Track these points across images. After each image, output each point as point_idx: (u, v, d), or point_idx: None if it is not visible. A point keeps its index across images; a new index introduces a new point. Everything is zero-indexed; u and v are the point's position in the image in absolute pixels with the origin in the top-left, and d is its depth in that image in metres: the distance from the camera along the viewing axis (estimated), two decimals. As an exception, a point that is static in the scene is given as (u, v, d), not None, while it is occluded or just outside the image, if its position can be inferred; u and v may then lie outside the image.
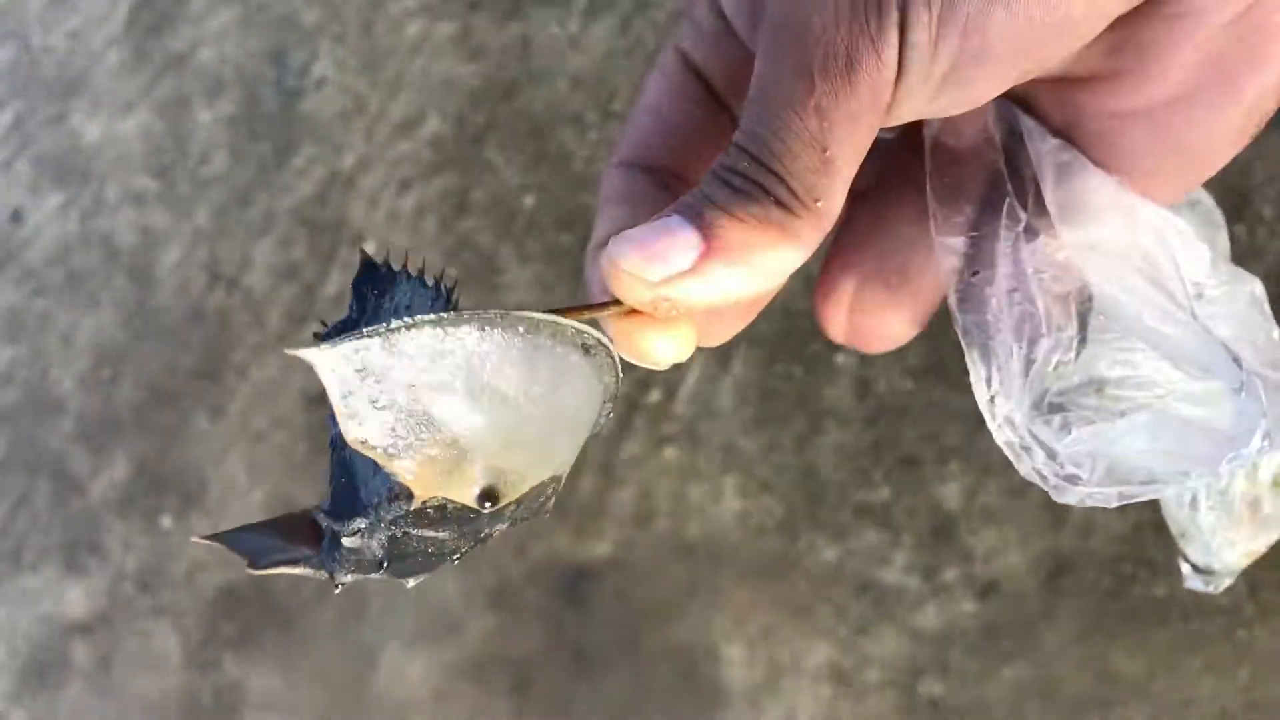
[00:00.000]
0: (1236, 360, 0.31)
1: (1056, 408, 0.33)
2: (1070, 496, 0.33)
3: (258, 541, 0.31)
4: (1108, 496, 0.33)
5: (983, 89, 0.28)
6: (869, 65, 0.27)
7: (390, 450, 0.26)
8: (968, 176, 0.32)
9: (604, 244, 0.31)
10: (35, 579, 1.34)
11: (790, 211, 0.29)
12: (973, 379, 0.33)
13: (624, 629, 0.99)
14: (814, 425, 0.92)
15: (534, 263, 1.03)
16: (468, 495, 0.28)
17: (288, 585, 1.22)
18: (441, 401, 0.26)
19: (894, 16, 0.27)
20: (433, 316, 0.26)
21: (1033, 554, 0.86)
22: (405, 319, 0.25)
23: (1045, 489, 0.33)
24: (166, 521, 1.26)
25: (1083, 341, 0.33)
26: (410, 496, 0.27)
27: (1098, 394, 0.33)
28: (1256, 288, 0.36)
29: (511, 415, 0.28)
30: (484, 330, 0.27)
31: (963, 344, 0.33)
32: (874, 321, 0.34)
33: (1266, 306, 0.37)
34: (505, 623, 1.05)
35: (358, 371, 0.25)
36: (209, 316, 1.20)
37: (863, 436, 0.92)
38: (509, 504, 0.29)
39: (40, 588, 1.34)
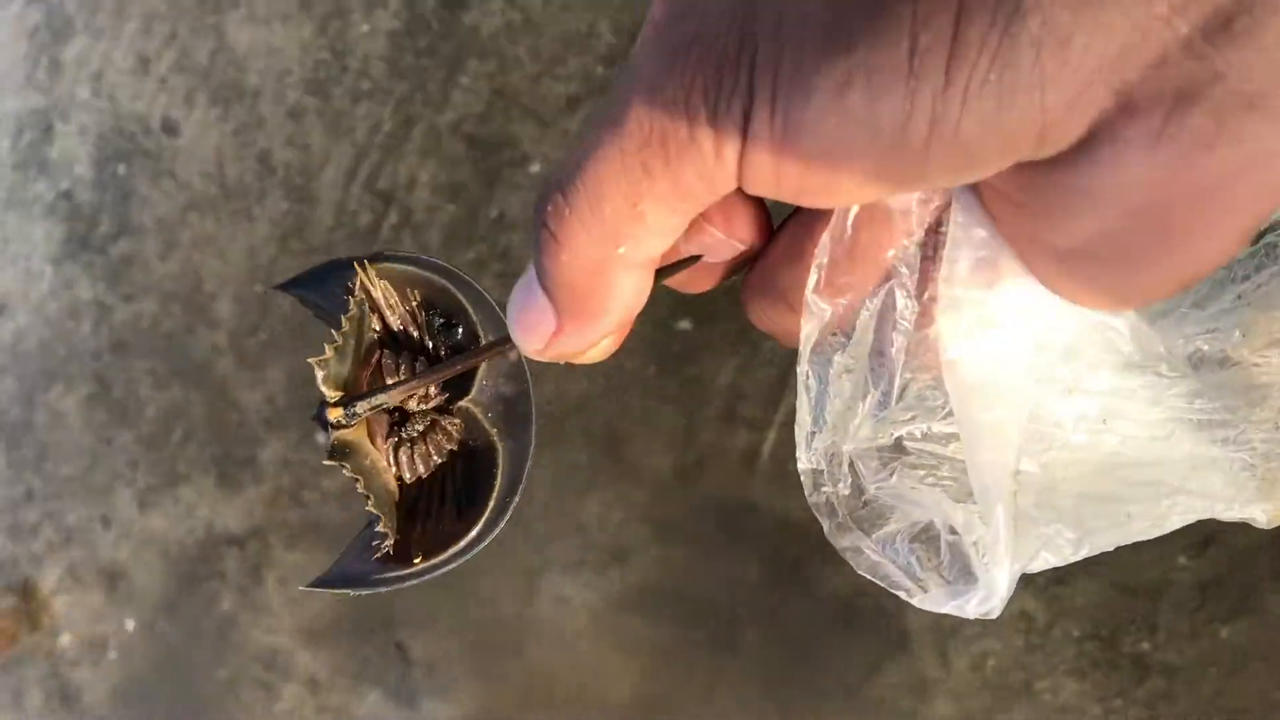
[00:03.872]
0: (1007, 520, 0.31)
1: (898, 448, 0.33)
2: (845, 540, 0.33)
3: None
4: (861, 563, 0.33)
5: (839, 197, 0.28)
6: (706, 150, 0.26)
7: None
8: (871, 243, 0.31)
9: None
10: (189, 491, 1.37)
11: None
12: (798, 414, 0.33)
13: (797, 566, 0.96)
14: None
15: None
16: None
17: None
18: None
19: (738, 108, 0.26)
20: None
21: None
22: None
23: (825, 523, 0.33)
24: (320, 438, 1.26)
25: (946, 414, 0.33)
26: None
27: (937, 452, 0.33)
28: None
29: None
30: None
31: (798, 386, 0.33)
32: (783, 331, 0.34)
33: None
34: (669, 555, 1.03)
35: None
36: (366, 236, 1.19)
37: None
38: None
39: (194, 500, 1.36)
